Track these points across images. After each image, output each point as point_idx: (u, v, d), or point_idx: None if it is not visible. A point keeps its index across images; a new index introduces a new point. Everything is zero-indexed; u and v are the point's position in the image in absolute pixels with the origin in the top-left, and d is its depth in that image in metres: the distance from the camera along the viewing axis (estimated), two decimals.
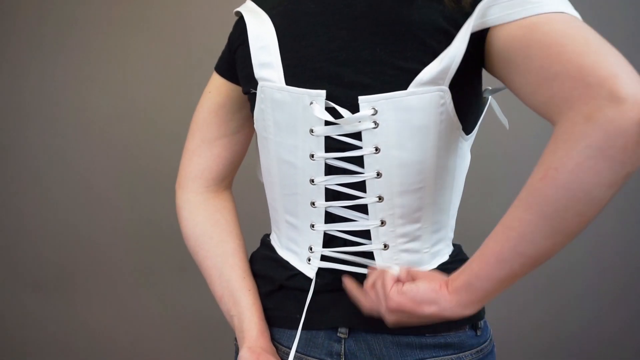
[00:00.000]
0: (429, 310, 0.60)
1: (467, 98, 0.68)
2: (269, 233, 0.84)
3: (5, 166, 1.74)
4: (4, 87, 1.71)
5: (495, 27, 0.60)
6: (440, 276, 0.63)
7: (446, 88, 0.64)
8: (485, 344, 0.76)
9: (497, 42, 0.60)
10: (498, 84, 0.69)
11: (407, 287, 0.61)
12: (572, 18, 0.56)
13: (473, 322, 0.74)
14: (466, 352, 0.72)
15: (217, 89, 0.81)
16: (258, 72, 0.71)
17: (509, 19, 0.58)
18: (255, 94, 0.72)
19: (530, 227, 0.54)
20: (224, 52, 0.81)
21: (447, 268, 0.73)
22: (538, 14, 0.56)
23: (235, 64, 0.77)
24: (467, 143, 0.72)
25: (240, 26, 0.76)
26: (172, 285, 1.74)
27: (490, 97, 0.76)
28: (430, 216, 0.71)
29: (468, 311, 0.59)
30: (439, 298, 0.60)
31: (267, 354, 0.72)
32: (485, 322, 0.77)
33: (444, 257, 0.75)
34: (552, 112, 0.54)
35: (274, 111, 0.71)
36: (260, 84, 0.71)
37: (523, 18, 0.57)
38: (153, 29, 1.63)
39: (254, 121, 0.75)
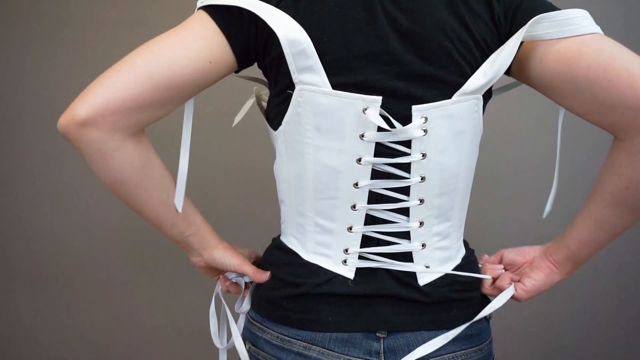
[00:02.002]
0: (548, 288, 0.79)
1: (485, 105, 0.74)
2: (277, 236, 0.83)
3: (1, 167, 1.69)
4: (1, 86, 1.66)
5: (534, 42, 0.68)
6: (534, 253, 0.81)
7: (481, 97, 0.71)
8: (492, 334, 0.82)
9: (537, 63, 0.68)
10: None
11: (529, 284, 0.78)
12: (605, 39, 0.65)
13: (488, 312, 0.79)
14: (484, 343, 0.79)
15: (217, 51, 0.68)
16: (298, 77, 0.68)
17: (550, 37, 0.66)
18: (290, 95, 0.70)
19: (619, 219, 0.70)
20: (229, 11, 0.68)
21: (469, 261, 0.80)
22: (576, 36, 0.65)
23: (258, 50, 0.70)
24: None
25: (256, 20, 0.68)
26: (168, 288, 1.72)
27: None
28: (457, 214, 0.77)
29: (569, 275, 0.79)
30: (552, 278, 0.78)
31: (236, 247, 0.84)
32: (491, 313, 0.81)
33: (464, 251, 0.80)
34: (617, 132, 0.66)
35: (316, 115, 0.69)
36: (299, 87, 0.69)
37: (564, 38, 0.66)
38: (150, 29, 1.60)
39: (282, 124, 0.72)
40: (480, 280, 0.80)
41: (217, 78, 0.71)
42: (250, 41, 0.69)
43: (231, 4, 0.66)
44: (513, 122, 1.57)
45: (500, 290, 0.78)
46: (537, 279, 0.78)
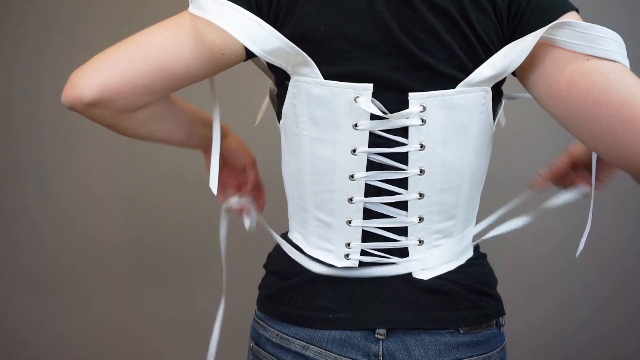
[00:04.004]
0: None
1: (498, 98, 0.72)
2: (285, 232, 0.82)
3: (5, 167, 1.72)
4: (12, 85, 1.68)
5: (546, 45, 0.64)
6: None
7: (489, 88, 0.68)
8: (505, 342, 0.77)
9: (544, 68, 0.64)
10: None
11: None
12: (628, 73, 0.61)
13: (499, 317, 0.76)
14: (494, 351, 0.74)
15: (220, 42, 0.66)
16: (291, 69, 0.68)
17: (568, 47, 0.62)
18: (286, 86, 0.70)
19: None
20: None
21: (474, 263, 0.76)
22: (597, 57, 0.61)
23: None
24: (492, 142, 0.75)
25: None
26: (172, 285, 1.73)
27: (504, 99, 0.78)
28: (463, 213, 0.73)
29: None
30: None
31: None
32: (505, 319, 0.78)
33: (470, 253, 0.77)
34: (631, 173, 0.63)
35: (310, 107, 0.69)
36: (294, 78, 0.69)
37: (582, 53, 0.61)
38: (143, 27, 1.62)
39: (282, 117, 0.73)
40: (492, 284, 0.77)
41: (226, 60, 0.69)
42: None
43: (214, 21, 0.64)
44: (516, 123, 1.56)
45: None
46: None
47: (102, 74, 0.64)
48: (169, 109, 0.74)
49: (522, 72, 0.68)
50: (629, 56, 0.64)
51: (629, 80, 0.60)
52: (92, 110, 0.65)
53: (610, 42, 0.62)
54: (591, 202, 0.77)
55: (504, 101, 0.76)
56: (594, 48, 0.61)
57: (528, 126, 1.56)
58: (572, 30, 0.62)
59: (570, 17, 0.65)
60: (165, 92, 0.68)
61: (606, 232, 1.58)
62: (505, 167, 1.57)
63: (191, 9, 0.67)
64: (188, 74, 0.67)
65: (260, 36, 0.64)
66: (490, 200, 1.56)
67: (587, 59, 0.61)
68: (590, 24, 0.62)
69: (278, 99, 0.74)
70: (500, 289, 0.80)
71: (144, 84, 0.65)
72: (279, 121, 0.75)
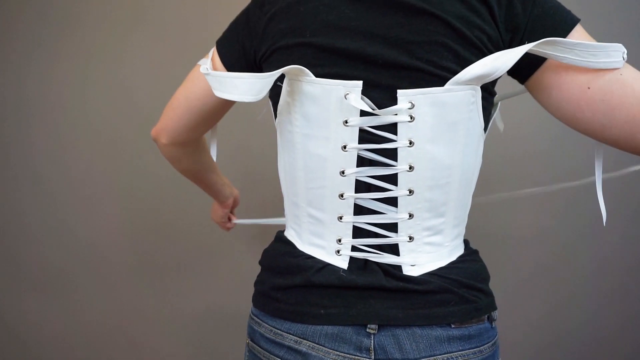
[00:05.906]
0: None
1: (489, 98, 0.72)
2: (282, 230, 0.84)
3: (5, 166, 1.73)
4: (5, 86, 1.69)
5: (555, 65, 0.66)
6: None
7: (478, 88, 0.68)
8: (497, 336, 0.78)
9: (559, 100, 0.67)
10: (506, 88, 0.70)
11: None
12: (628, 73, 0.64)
13: (490, 312, 0.76)
14: (485, 345, 0.75)
15: None
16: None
17: (575, 63, 0.64)
18: (280, 86, 0.72)
19: None
20: (231, 43, 0.79)
21: (465, 259, 0.77)
22: (598, 74, 0.64)
23: (248, 56, 0.77)
24: (483, 142, 0.75)
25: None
26: (172, 284, 1.74)
27: (498, 100, 0.79)
28: (453, 211, 0.74)
29: None
30: None
31: None
32: (497, 314, 0.78)
33: (461, 250, 0.78)
34: None
35: (303, 104, 0.71)
36: (287, 77, 0.71)
37: (586, 82, 0.64)
38: (153, 28, 1.62)
39: (277, 115, 0.75)
40: (483, 279, 0.77)
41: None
42: (246, 58, 0.78)
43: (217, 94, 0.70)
44: (511, 118, 1.56)
45: None
46: None
47: (163, 124, 0.91)
48: (210, 160, 1.03)
49: (533, 92, 0.70)
50: (629, 56, 0.64)
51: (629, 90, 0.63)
52: (165, 148, 0.94)
53: (609, 54, 0.63)
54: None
55: (499, 104, 0.76)
56: (594, 62, 0.63)
57: (528, 126, 1.56)
58: (563, 48, 0.63)
59: (577, 31, 0.67)
60: (198, 126, 0.89)
61: (606, 231, 1.58)
62: (505, 167, 1.57)
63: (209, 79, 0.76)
64: (210, 111, 0.86)
65: (245, 87, 0.68)
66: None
67: (589, 87, 0.64)
68: (591, 43, 0.64)
69: (273, 99, 0.75)
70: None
71: (184, 123, 0.88)
72: (275, 119, 0.77)
